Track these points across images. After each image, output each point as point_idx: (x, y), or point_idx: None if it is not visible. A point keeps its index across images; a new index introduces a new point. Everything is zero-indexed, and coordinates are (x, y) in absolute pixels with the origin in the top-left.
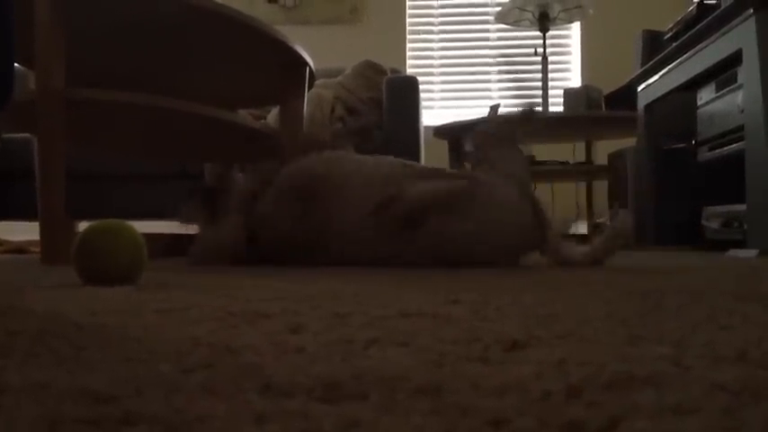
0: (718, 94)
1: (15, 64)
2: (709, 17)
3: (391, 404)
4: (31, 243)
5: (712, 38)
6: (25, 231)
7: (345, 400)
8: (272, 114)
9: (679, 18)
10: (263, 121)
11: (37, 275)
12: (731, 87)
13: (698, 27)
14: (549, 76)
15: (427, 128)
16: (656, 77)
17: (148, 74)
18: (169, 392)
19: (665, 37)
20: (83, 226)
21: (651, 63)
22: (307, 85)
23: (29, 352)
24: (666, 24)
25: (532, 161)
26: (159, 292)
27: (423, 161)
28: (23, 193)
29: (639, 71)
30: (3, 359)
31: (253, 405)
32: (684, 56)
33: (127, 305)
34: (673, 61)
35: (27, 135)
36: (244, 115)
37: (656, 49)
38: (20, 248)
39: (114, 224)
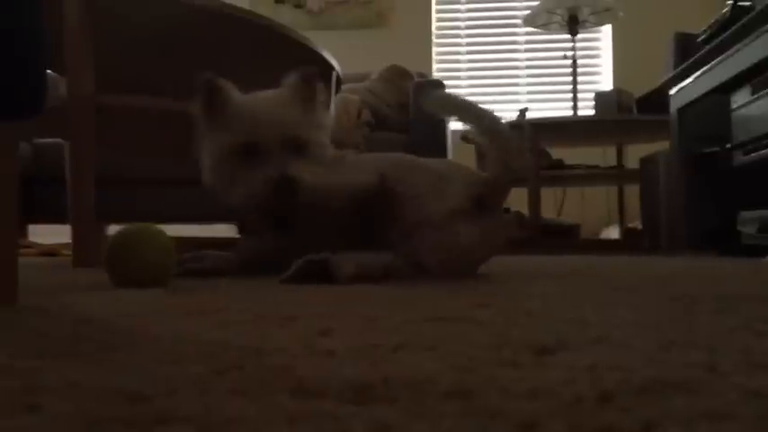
0: (754, 97)
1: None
2: (744, 19)
3: (421, 408)
4: (62, 246)
5: (747, 40)
6: (56, 234)
7: (375, 403)
8: None
9: (713, 20)
10: None
11: (68, 278)
12: None
13: (732, 29)
14: (579, 79)
15: (454, 132)
16: (688, 80)
17: (176, 79)
18: (201, 393)
19: (699, 39)
20: (113, 229)
21: (684, 66)
22: (334, 90)
23: (63, 353)
24: (699, 26)
25: (562, 165)
26: (189, 294)
27: None
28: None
29: (672, 74)
30: (38, 360)
31: (284, 406)
32: (718, 58)
33: (158, 308)
34: (706, 64)
35: (58, 140)
36: None
37: (688, 52)
38: (51, 251)
39: (144, 228)
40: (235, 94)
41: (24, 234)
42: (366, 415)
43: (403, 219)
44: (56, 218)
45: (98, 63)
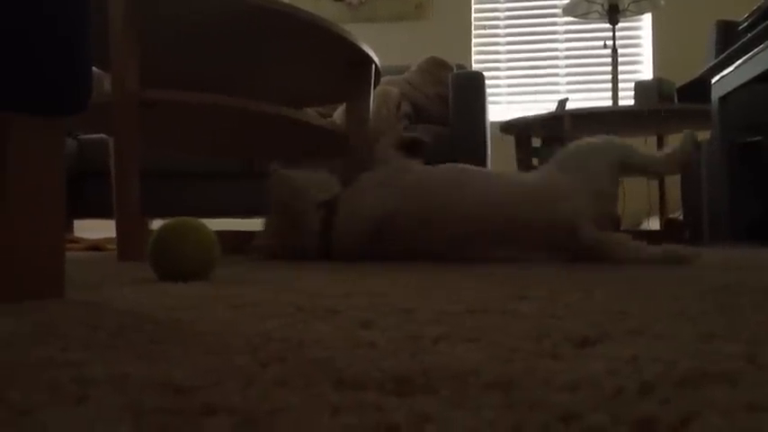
0: None
1: (93, 67)
2: None
3: (462, 398)
4: (107, 240)
5: None
6: (101, 229)
7: (417, 394)
8: (339, 112)
9: (755, 7)
10: (329, 118)
11: (113, 272)
12: None
13: None
14: (620, 69)
15: (494, 123)
16: (730, 69)
17: (218, 74)
18: (246, 385)
19: (740, 27)
20: (156, 224)
21: (725, 54)
22: (373, 82)
23: (109, 345)
24: (741, 14)
25: None
26: (231, 287)
27: (489, 157)
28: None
29: (713, 63)
30: (85, 352)
31: (327, 398)
32: (761, 46)
33: (201, 300)
34: (748, 52)
35: (103, 135)
36: (311, 113)
37: (730, 40)
38: (96, 246)
39: (187, 222)
40: None
41: (70, 229)
42: (407, 406)
43: None
44: (101, 213)
45: (142, 59)
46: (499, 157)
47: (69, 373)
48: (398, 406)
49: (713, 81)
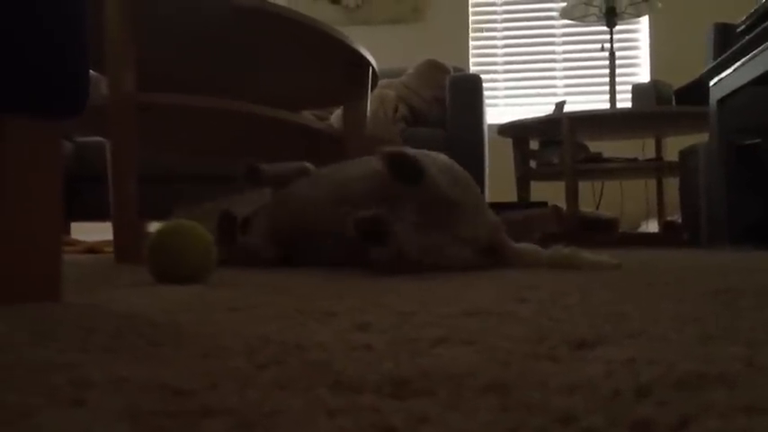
0: None
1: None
2: None
3: (459, 401)
4: (104, 243)
5: None
6: (98, 232)
7: (414, 397)
8: (336, 115)
9: (752, 10)
10: (326, 121)
11: (111, 274)
12: None
13: None
14: (617, 71)
15: (491, 126)
16: (728, 71)
17: (213, 77)
18: (243, 387)
19: (738, 30)
20: (153, 226)
21: (723, 57)
22: (370, 85)
23: (107, 348)
24: (739, 16)
25: (600, 158)
26: (228, 290)
27: (487, 160)
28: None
29: (711, 65)
30: (83, 355)
31: (324, 400)
32: (759, 48)
33: (199, 303)
34: (746, 54)
35: (100, 138)
36: (307, 116)
37: (728, 43)
38: (93, 248)
39: (184, 224)
40: None
41: (67, 231)
42: (404, 408)
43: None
44: (98, 215)
45: (139, 62)
46: (496, 161)
47: (67, 375)
48: (396, 408)
49: (711, 83)
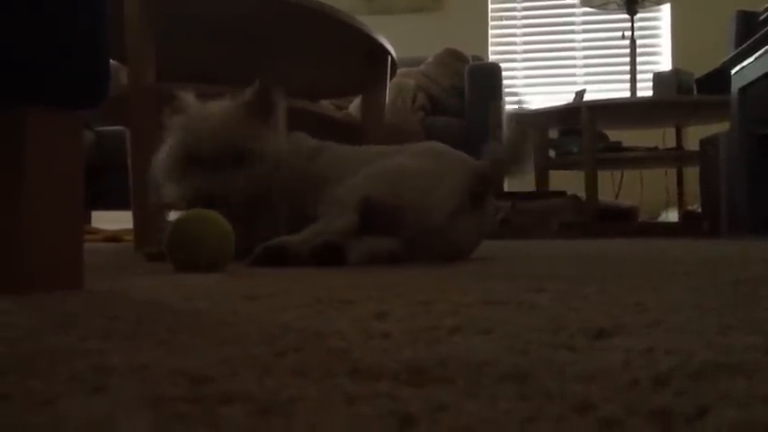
0: None
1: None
2: None
3: (477, 389)
4: (124, 232)
5: None
6: (119, 221)
7: (432, 385)
8: (355, 104)
9: None
10: (345, 111)
11: (131, 263)
12: None
13: None
14: (638, 60)
15: (510, 115)
16: (750, 60)
17: (233, 67)
18: (262, 374)
19: (761, 17)
20: (173, 215)
21: (745, 45)
22: (389, 74)
23: (128, 335)
24: (761, 4)
25: (620, 147)
26: (247, 279)
27: None
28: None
29: (733, 53)
30: (104, 342)
31: (343, 387)
32: None
33: (218, 291)
34: None
35: (120, 128)
36: (326, 106)
37: (750, 31)
38: (114, 237)
39: (203, 214)
40: (192, 106)
41: (88, 220)
42: (422, 396)
43: (403, 229)
44: (118, 204)
45: (159, 51)
46: None
47: (88, 362)
48: (413, 396)
49: (733, 72)
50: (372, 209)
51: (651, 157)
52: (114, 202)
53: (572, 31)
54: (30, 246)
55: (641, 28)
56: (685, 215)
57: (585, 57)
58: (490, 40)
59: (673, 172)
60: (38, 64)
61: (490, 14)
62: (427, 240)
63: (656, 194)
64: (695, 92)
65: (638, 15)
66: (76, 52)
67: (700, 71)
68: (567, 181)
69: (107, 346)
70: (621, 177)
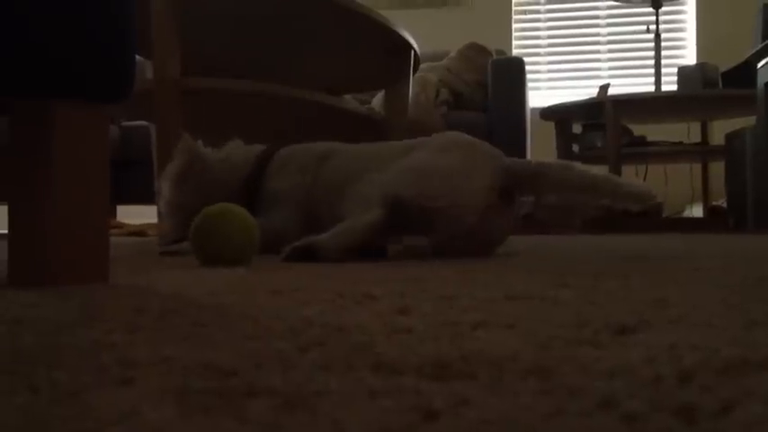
0: None
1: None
2: None
3: (499, 384)
4: (149, 226)
5: None
6: (144, 215)
7: (454, 379)
8: (378, 99)
9: None
10: (368, 105)
11: (156, 257)
12: None
13: None
14: (663, 53)
15: (533, 109)
16: None
17: (257, 61)
18: (287, 368)
19: None
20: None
21: None
22: (412, 69)
23: (154, 328)
24: None
25: (645, 142)
26: (270, 273)
27: (529, 143)
28: (142, 178)
29: (759, 47)
30: (130, 335)
31: (366, 381)
32: None
33: (242, 286)
34: None
35: (145, 123)
36: (349, 100)
37: None
38: (139, 231)
39: (227, 208)
40: (208, 160)
41: (113, 214)
42: (445, 390)
43: (435, 232)
44: (143, 199)
45: (183, 45)
46: (539, 144)
47: (115, 355)
48: (436, 390)
49: (759, 65)
50: (401, 208)
51: (676, 152)
52: (139, 196)
53: (596, 25)
54: (56, 239)
55: (666, 21)
56: (710, 210)
57: (610, 51)
58: (514, 33)
59: (697, 167)
60: (68, 57)
61: (513, 8)
62: (458, 241)
63: (680, 189)
64: (721, 86)
65: (663, 9)
66: (105, 46)
67: (725, 65)
68: None
69: (133, 339)
70: (646, 172)
